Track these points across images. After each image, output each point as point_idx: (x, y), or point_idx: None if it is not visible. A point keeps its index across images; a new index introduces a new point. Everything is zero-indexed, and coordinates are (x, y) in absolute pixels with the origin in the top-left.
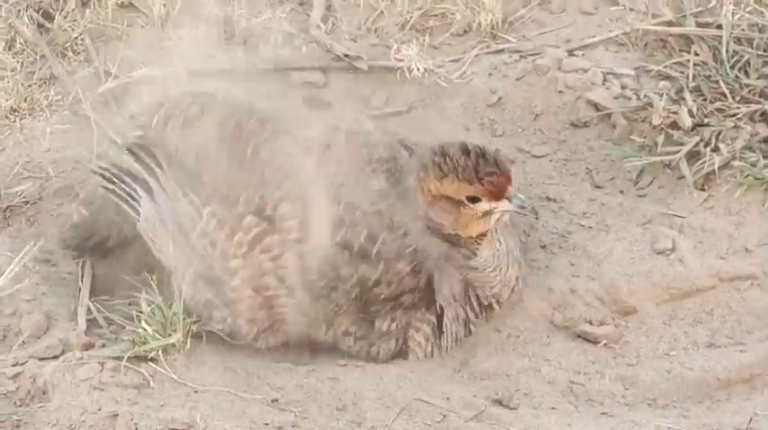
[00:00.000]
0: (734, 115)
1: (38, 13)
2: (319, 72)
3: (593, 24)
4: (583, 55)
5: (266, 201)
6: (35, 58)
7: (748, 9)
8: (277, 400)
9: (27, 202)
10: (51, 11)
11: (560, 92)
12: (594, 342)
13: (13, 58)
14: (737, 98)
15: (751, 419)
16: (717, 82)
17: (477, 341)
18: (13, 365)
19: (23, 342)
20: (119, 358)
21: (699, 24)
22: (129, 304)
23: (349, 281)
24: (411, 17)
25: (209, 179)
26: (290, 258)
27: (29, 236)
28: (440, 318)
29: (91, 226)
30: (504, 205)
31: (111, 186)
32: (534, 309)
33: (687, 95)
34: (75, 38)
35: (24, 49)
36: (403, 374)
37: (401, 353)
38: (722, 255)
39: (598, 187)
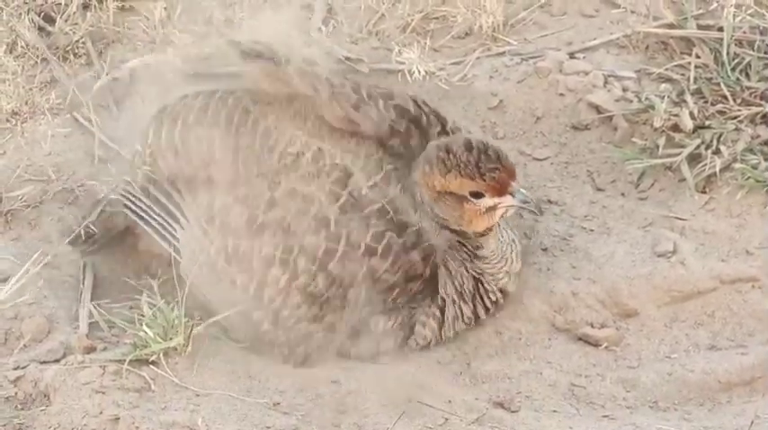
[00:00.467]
0: (735, 117)
1: (39, 16)
2: None
3: (594, 27)
4: (584, 57)
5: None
6: (36, 62)
7: (749, 11)
8: (279, 403)
9: (28, 206)
10: (52, 14)
11: (561, 94)
12: (596, 344)
13: (15, 61)
14: (739, 100)
15: (752, 422)
16: (718, 84)
17: (478, 344)
18: (15, 369)
19: (25, 345)
20: (120, 361)
21: (700, 27)
22: (131, 307)
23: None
24: (412, 20)
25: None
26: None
27: (30, 239)
28: (442, 310)
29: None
30: (507, 200)
31: (144, 216)
32: (535, 312)
33: (688, 98)
34: (77, 41)
35: (25, 53)
36: (404, 377)
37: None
38: (723, 257)
39: (599, 190)
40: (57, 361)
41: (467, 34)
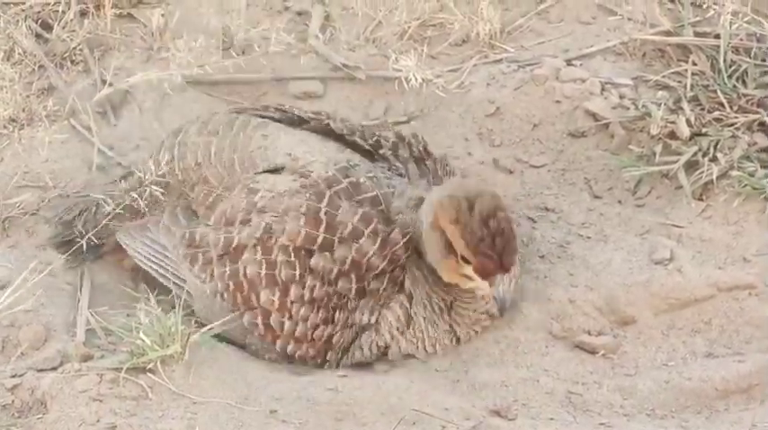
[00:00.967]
0: (732, 125)
1: (36, 23)
2: (318, 82)
3: (591, 34)
4: (581, 65)
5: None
6: (34, 69)
7: (746, 19)
8: (276, 411)
9: (26, 213)
10: (50, 21)
11: (558, 102)
12: (593, 352)
13: (12, 68)
14: (735, 108)
15: None
16: (715, 91)
17: (475, 352)
18: (12, 376)
19: (22, 353)
20: (117, 369)
21: (697, 34)
22: (128, 315)
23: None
24: (409, 27)
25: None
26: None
27: (28, 247)
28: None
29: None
30: (483, 287)
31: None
32: (533, 320)
33: (685, 105)
34: (74, 48)
35: (23, 60)
36: (402, 385)
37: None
38: (720, 264)
39: (596, 197)
40: (54, 369)
41: (464, 41)
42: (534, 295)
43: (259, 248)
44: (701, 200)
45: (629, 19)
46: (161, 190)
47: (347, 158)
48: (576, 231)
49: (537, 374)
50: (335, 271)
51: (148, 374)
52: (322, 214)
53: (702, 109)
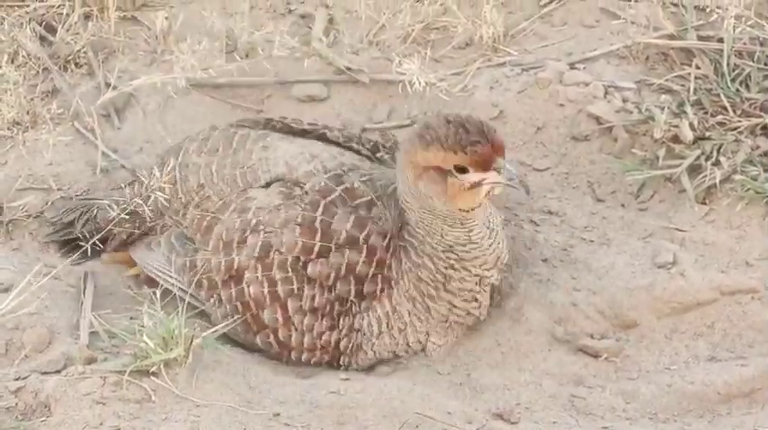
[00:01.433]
0: (735, 129)
1: (40, 26)
2: (321, 85)
3: (594, 37)
4: (584, 68)
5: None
6: (38, 71)
7: (749, 23)
8: (279, 414)
9: (29, 216)
10: (54, 24)
11: (562, 105)
12: (595, 355)
13: (16, 71)
14: (738, 112)
15: None
16: (718, 95)
17: (478, 355)
18: (16, 379)
19: (26, 356)
20: (121, 372)
21: (700, 38)
22: (132, 318)
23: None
24: (413, 30)
25: None
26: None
27: (31, 249)
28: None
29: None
30: (492, 177)
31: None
32: (535, 323)
33: (688, 109)
34: (78, 51)
35: (27, 62)
36: (404, 388)
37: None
38: (723, 268)
39: (599, 201)
40: (57, 371)
41: (467, 45)
42: (537, 298)
43: (259, 266)
44: (704, 204)
45: (633, 23)
46: (165, 196)
47: (342, 164)
48: (578, 235)
49: (539, 378)
50: (333, 276)
51: (152, 377)
52: (317, 223)
53: (706, 113)
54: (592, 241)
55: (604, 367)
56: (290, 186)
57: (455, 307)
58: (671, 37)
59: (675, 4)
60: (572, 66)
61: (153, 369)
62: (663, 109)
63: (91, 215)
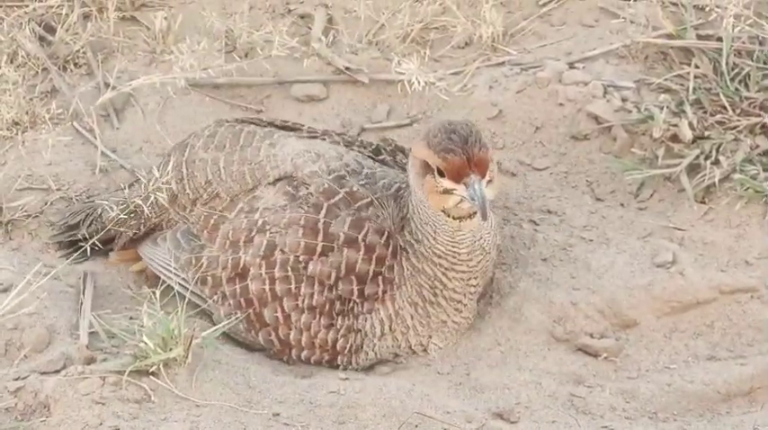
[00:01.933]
0: (734, 128)
1: (40, 26)
2: (320, 85)
3: (593, 37)
4: (583, 67)
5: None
6: (37, 72)
7: (748, 22)
8: (278, 414)
9: (29, 216)
10: (53, 24)
11: (561, 104)
12: (595, 355)
13: (15, 71)
14: (738, 111)
15: None
16: (717, 95)
17: (478, 354)
18: (15, 379)
19: (25, 356)
20: (120, 372)
21: (699, 37)
22: (131, 318)
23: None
24: (412, 30)
25: None
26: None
27: (31, 250)
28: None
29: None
30: (460, 190)
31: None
32: (535, 322)
33: (687, 108)
34: (77, 51)
35: (26, 63)
36: (404, 387)
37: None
38: (723, 267)
39: (599, 200)
40: (57, 371)
41: (466, 44)
42: (536, 298)
43: (263, 264)
44: (704, 203)
45: (632, 22)
46: (165, 196)
47: (346, 164)
48: (578, 234)
49: (539, 377)
50: (334, 275)
51: (151, 377)
52: (320, 225)
53: (705, 112)
54: (591, 240)
55: (604, 366)
56: (295, 186)
57: (448, 315)
58: (670, 36)
59: (675, 4)
60: (571, 65)
61: (152, 369)
62: (662, 108)
63: (95, 216)
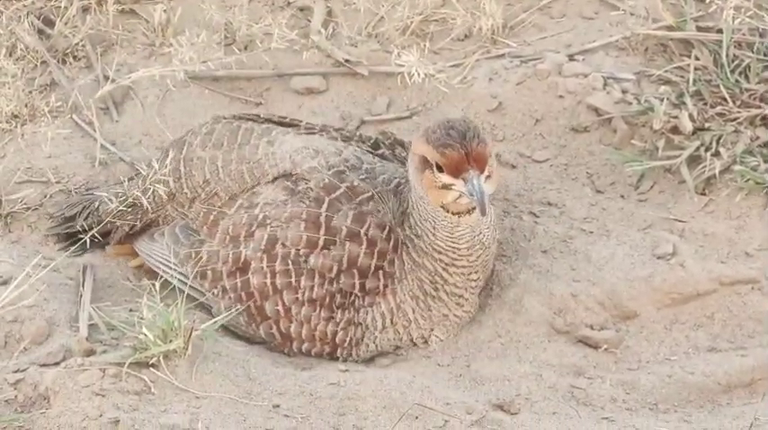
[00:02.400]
0: (734, 119)
1: (39, 19)
2: (320, 77)
3: (593, 29)
4: (583, 60)
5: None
6: (36, 64)
7: (749, 13)
8: (278, 406)
9: (28, 209)
10: (52, 17)
11: (561, 96)
12: (595, 346)
13: (14, 64)
14: (738, 102)
15: (752, 424)
16: (717, 86)
17: (478, 346)
18: (15, 372)
19: (25, 348)
20: (120, 364)
21: (699, 29)
22: (131, 310)
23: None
24: (411, 22)
25: None
26: None
27: (30, 242)
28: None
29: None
30: (459, 185)
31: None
32: (535, 314)
33: (688, 100)
34: (76, 44)
35: (25, 56)
36: (404, 379)
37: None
38: (723, 259)
39: (599, 192)
40: (56, 364)
41: (466, 36)
42: (536, 289)
43: (264, 258)
44: (704, 194)
45: (632, 14)
46: (165, 188)
47: (345, 160)
48: (578, 226)
49: (539, 368)
50: (336, 268)
51: (151, 369)
52: (322, 219)
53: (705, 104)
54: (591, 232)
55: (604, 358)
56: (294, 181)
57: (450, 309)
58: (670, 28)
59: None
60: (571, 57)
61: (152, 361)
62: (662, 100)
63: (93, 209)
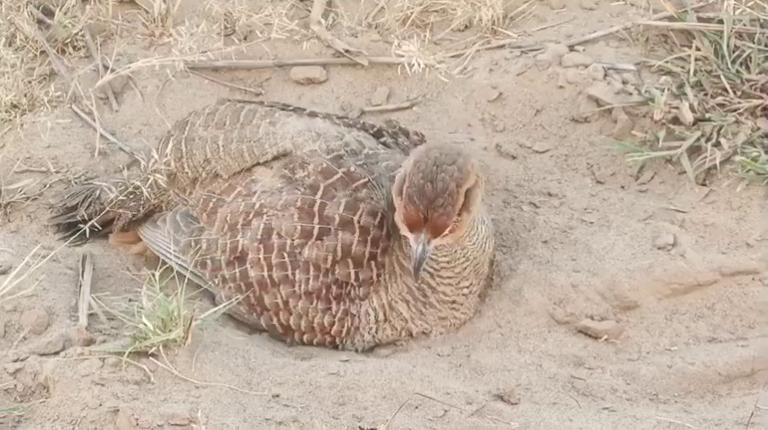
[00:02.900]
0: (735, 110)
1: (38, 9)
2: (320, 68)
3: (593, 20)
4: (584, 50)
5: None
6: (35, 54)
7: (749, 4)
8: (278, 395)
9: (27, 198)
10: (51, 7)
11: (561, 87)
12: (596, 337)
13: (14, 54)
14: (739, 93)
15: (752, 414)
16: (718, 77)
17: (477, 336)
18: (15, 361)
19: (24, 338)
20: (120, 354)
21: (700, 19)
22: (130, 299)
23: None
24: (412, 13)
25: None
26: None
27: (29, 232)
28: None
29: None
30: (411, 239)
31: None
32: (535, 304)
33: (688, 90)
34: (76, 34)
35: (25, 46)
36: (404, 369)
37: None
38: (723, 249)
39: (599, 182)
40: (56, 353)
41: (466, 27)
42: (537, 280)
43: (261, 248)
44: (705, 185)
45: (632, 4)
46: (165, 178)
47: (346, 143)
48: (578, 216)
49: (539, 359)
50: (330, 259)
51: (151, 358)
52: (316, 207)
53: (706, 94)
54: (592, 223)
55: (605, 348)
56: (292, 169)
57: (446, 312)
58: (671, 19)
59: None
60: (571, 48)
61: (152, 350)
62: (663, 90)
63: (94, 198)
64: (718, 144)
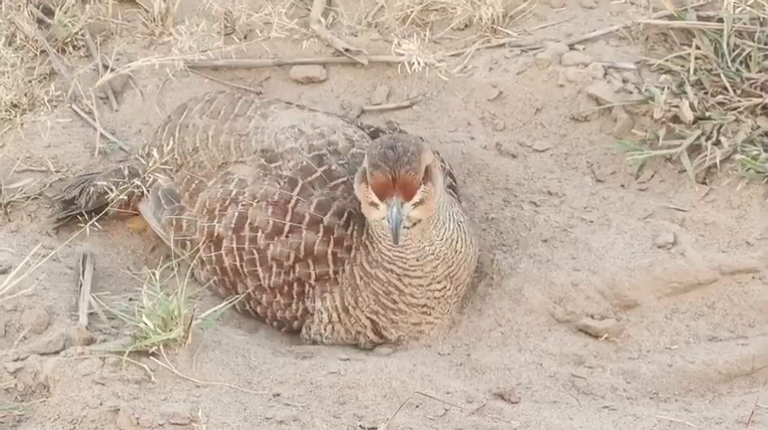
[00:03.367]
0: (735, 108)
1: (38, 8)
2: (320, 67)
3: (593, 18)
4: (584, 49)
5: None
6: (35, 54)
7: (749, 2)
8: (279, 395)
9: (28, 198)
10: (51, 6)
11: (561, 86)
12: (596, 336)
13: (14, 53)
14: (739, 91)
15: (753, 412)
16: (718, 75)
17: (478, 335)
18: (15, 360)
19: (24, 337)
20: (120, 353)
21: (700, 18)
22: (131, 299)
23: None
24: (411, 11)
25: None
26: None
27: (30, 231)
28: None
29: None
30: (381, 209)
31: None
32: (535, 303)
33: (688, 89)
34: (76, 33)
35: (24, 45)
36: (404, 368)
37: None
38: (724, 248)
39: (599, 181)
40: (56, 352)
41: (466, 26)
42: (537, 279)
43: (234, 238)
44: (705, 184)
45: (632, 3)
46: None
47: (330, 143)
48: (578, 215)
49: (540, 358)
50: (292, 256)
51: (151, 358)
52: (290, 205)
53: (706, 93)
54: (592, 221)
55: (605, 347)
56: (269, 158)
57: (418, 318)
58: (671, 17)
59: None
60: (571, 47)
61: (152, 349)
62: (663, 89)
63: (88, 185)
64: (718, 142)
